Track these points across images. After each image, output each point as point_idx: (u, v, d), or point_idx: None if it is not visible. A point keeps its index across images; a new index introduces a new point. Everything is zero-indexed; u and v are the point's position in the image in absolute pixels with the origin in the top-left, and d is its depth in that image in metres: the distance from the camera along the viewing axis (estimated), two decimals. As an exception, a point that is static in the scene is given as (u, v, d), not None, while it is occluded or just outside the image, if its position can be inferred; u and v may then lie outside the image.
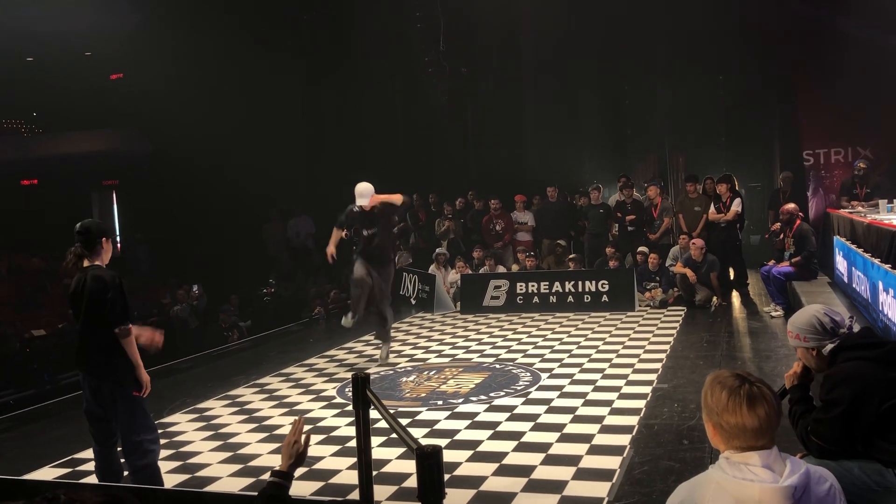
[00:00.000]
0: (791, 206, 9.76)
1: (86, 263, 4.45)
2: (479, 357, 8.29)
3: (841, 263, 9.22)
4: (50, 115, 17.69)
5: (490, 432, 5.61)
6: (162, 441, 5.90)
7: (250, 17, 14.17)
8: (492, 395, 6.64)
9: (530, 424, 5.72)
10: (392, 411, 6.10)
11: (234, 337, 11.38)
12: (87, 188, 18.07)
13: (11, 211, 15.18)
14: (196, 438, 5.96)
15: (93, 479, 5.11)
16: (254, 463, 5.30)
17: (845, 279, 8.83)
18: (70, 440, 6.06)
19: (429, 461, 2.31)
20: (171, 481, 5.04)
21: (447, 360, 8.27)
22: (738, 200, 10.91)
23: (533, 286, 11.13)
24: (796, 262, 9.35)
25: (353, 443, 4.54)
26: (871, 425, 2.94)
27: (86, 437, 6.07)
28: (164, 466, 5.32)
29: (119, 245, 17.90)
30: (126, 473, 4.57)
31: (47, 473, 5.33)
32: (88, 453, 5.72)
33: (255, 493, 2.81)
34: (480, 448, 5.29)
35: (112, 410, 4.43)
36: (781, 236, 9.82)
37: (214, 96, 13.75)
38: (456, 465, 4.97)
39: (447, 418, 6.04)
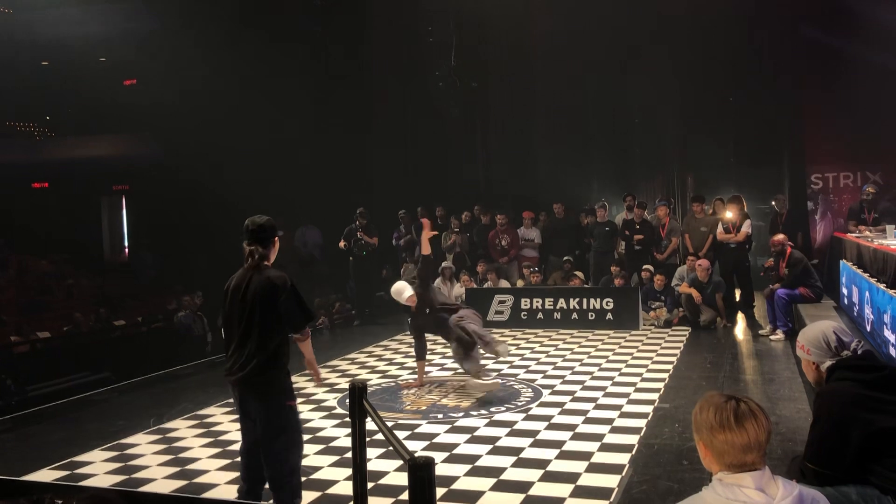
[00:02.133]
0: (780, 236, 9.73)
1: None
2: (481, 371, 8.27)
3: (847, 288, 9.19)
4: (62, 119, 17.84)
5: (489, 447, 5.60)
6: (161, 446, 5.96)
7: (264, 28, 14.28)
8: (492, 409, 6.63)
9: (530, 440, 5.70)
10: (392, 423, 6.14)
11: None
12: (97, 193, 18.17)
13: (22, 213, 15.28)
14: (195, 444, 5.96)
15: (93, 483, 5.12)
16: (252, 471, 5.29)
17: (851, 303, 8.80)
18: (69, 443, 6.07)
19: (421, 472, 2.31)
20: (168, 486, 5.04)
21: (449, 373, 8.27)
22: (748, 222, 10.91)
23: (538, 302, 11.11)
24: (789, 278, 9.29)
25: (351, 453, 4.53)
26: (861, 448, 2.88)
27: (85, 440, 6.12)
28: (162, 472, 5.35)
29: (126, 250, 18.00)
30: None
31: (45, 476, 5.33)
32: (87, 456, 5.74)
33: (248, 502, 2.81)
34: (479, 462, 5.28)
35: (260, 422, 4.18)
36: (778, 269, 9.81)
37: (225, 105, 13.83)
38: (454, 479, 4.95)
39: (447, 432, 6.03)
